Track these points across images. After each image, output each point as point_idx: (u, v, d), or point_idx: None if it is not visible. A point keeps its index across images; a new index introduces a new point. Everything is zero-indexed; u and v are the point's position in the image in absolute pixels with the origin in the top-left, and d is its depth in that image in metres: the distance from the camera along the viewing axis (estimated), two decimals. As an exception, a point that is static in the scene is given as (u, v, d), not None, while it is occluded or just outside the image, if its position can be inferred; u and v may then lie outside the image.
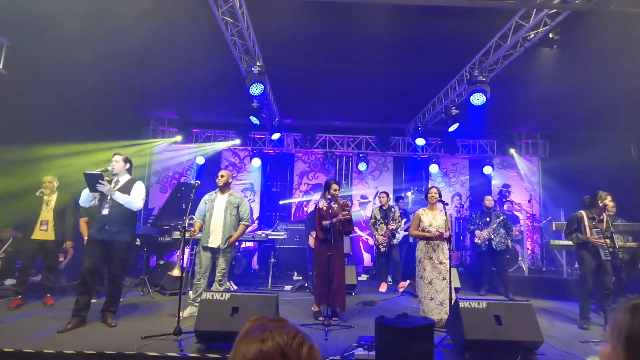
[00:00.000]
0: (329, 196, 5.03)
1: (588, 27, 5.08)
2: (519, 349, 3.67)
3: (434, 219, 5.03)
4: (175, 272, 4.69)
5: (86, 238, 4.99)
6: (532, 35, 5.22)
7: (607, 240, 4.82)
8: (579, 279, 5.41)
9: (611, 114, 7.65)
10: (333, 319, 4.77)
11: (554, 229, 7.24)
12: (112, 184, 4.40)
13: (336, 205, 5.01)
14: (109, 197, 4.30)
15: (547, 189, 9.96)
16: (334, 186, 5.05)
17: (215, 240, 4.92)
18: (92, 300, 4.48)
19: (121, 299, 4.79)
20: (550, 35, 5.05)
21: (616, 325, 1.01)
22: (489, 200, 6.85)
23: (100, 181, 4.15)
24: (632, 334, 0.97)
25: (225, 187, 5.14)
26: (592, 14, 4.70)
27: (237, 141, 9.72)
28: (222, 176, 5.14)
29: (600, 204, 4.96)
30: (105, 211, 4.29)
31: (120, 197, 4.29)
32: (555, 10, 4.70)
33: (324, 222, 4.94)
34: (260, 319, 0.92)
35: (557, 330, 4.70)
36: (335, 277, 4.81)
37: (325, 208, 5.03)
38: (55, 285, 5.46)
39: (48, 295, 5.27)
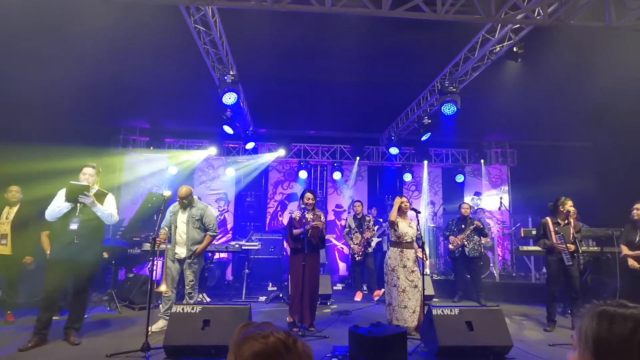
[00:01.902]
0: (303, 206, 5.01)
1: (551, 42, 5.35)
2: (491, 353, 3.75)
3: (409, 227, 5.11)
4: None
5: (48, 252, 4.76)
6: (498, 48, 5.43)
7: (571, 245, 4.97)
8: (546, 283, 5.58)
9: (574, 124, 8.02)
10: (309, 329, 4.73)
11: (522, 235, 7.47)
12: None
13: (310, 216, 4.96)
14: (77, 212, 4.11)
15: (516, 196, 10.29)
16: (307, 195, 5.03)
17: (180, 252, 4.90)
18: (54, 317, 4.26)
19: (86, 315, 4.58)
20: (515, 49, 5.28)
21: (583, 332, 1.02)
22: (464, 208, 6.92)
23: (85, 193, 4.02)
24: (600, 340, 0.98)
25: (188, 203, 5.01)
26: (555, 29, 4.92)
27: (213, 150, 9.39)
28: (182, 200, 4.91)
29: (562, 210, 5.17)
30: (74, 226, 4.08)
31: (100, 210, 4.15)
32: (518, 25, 4.90)
33: (294, 231, 4.89)
34: (250, 324, 1.01)
35: (527, 334, 4.83)
36: (306, 288, 4.75)
37: (297, 218, 5.00)
38: (15, 302, 5.17)
39: (9, 312, 5.00)
